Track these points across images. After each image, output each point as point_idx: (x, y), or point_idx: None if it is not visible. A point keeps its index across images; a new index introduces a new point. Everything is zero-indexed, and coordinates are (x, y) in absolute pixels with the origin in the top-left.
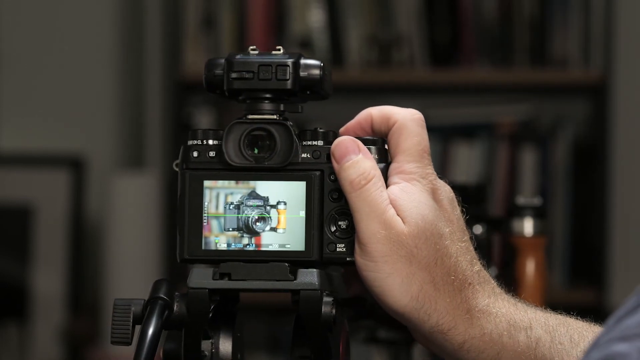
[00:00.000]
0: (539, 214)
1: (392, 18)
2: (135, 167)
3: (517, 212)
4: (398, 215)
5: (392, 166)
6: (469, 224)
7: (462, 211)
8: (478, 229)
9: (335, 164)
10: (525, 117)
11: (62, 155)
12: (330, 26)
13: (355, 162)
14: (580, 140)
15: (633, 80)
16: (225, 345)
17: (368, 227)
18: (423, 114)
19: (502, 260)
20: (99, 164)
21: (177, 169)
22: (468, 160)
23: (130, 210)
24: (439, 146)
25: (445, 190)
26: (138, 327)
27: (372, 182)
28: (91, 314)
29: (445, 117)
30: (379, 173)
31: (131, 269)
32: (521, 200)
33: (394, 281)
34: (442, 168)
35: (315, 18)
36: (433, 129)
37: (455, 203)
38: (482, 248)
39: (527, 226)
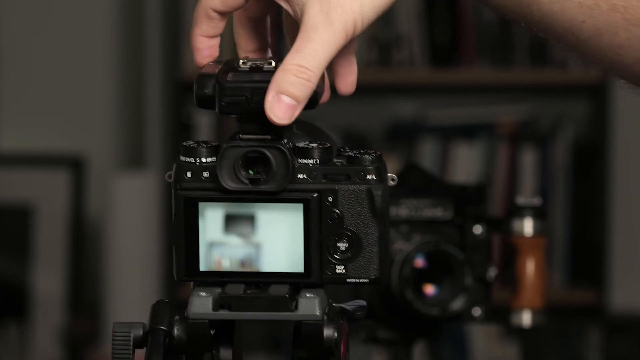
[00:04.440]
0: (539, 214)
1: (392, 18)
2: (135, 167)
3: (517, 212)
4: None
5: None
6: (469, 224)
7: None
8: (478, 229)
9: None
10: (525, 117)
11: (62, 155)
12: None
13: None
14: (580, 140)
15: None
16: (226, 354)
17: None
18: (423, 114)
19: (502, 260)
20: (99, 164)
21: (169, 180)
22: (468, 160)
23: (130, 210)
24: (439, 146)
25: None
26: (137, 350)
27: None
28: (91, 314)
29: (445, 117)
30: None
31: (131, 269)
32: (521, 200)
33: None
34: (442, 168)
35: None
36: (433, 129)
37: None
38: (482, 248)
39: (527, 226)
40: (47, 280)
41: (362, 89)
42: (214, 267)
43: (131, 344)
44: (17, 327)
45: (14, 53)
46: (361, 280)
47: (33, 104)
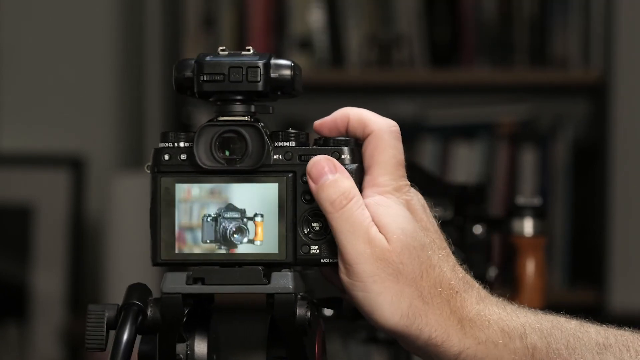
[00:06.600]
0: (539, 214)
1: (392, 18)
2: (135, 167)
3: (517, 212)
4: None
5: (366, 179)
6: (469, 224)
7: (434, 216)
8: (478, 229)
9: (312, 184)
10: (525, 117)
11: (62, 155)
12: (330, 26)
13: (334, 181)
14: (580, 140)
15: (633, 80)
16: (201, 347)
17: (354, 248)
18: (423, 114)
19: (502, 260)
20: (99, 164)
21: (148, 172)
22: (468, 160)
23: (130, 210)
24: (439, 146)
25: (418, 198)
26: (112, 332)
27: (353, 201)
28: None
29: (445, 117)
30: (358, 192)
31: (131, 269)
32: (521, 200)
33: (384, 300)
34: (442, 168)
35: (315, 18)
36: (433, 129)
37: (428, 209)
38: (482, 248)
39: (527, 226)
40: (47, 280)
41: (362, 88)
42: (190, 251)
43: (105, 324)
44: (17, 327)
45: (14, 53)
46: (335, 261)
47: (33, 104)
